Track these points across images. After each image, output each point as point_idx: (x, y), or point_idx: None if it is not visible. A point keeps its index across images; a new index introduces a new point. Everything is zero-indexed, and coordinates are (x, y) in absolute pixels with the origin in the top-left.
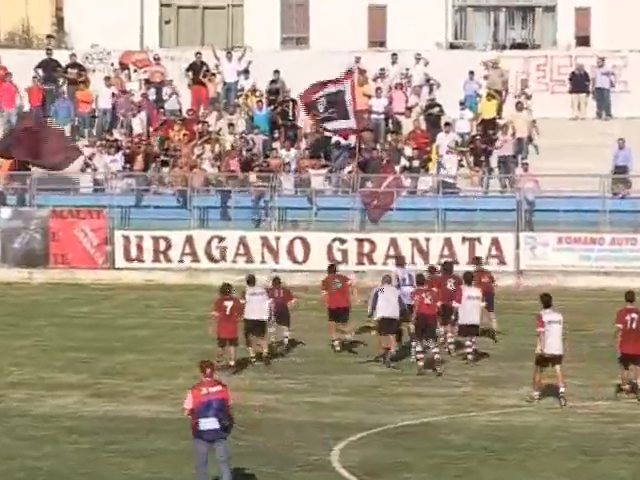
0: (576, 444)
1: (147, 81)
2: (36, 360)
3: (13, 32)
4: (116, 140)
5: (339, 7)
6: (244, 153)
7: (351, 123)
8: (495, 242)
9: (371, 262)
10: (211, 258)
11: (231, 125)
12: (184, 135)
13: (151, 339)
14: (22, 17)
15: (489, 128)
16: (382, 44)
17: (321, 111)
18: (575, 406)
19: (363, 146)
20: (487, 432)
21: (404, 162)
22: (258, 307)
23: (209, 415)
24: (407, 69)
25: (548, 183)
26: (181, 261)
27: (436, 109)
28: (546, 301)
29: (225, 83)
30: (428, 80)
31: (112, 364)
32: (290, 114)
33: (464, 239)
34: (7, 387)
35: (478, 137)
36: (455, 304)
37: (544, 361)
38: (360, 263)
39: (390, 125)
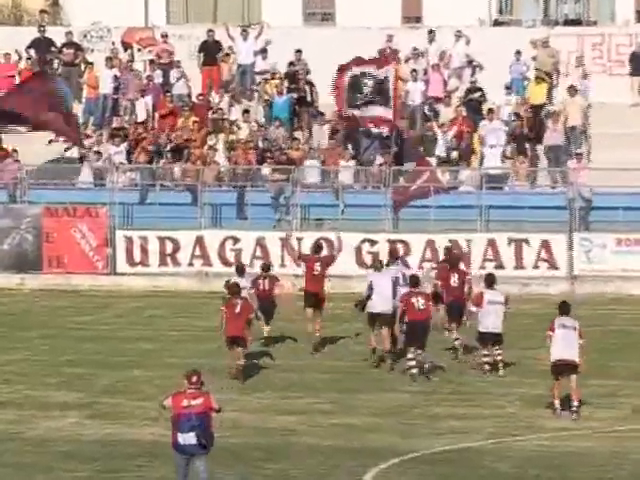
0: (636, 472)
1: (152, 62)
2: (27, 377)
3: (1, 6)
4: (122, 129)
5: None
6: (261, 144)
7: (389, 113)
8: (545, 244)
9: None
10: (224, 261)
11: (246, 112)
12: (194, 123)
13: (156, 353)
14: None
15: (538, 115)
16: (417, 20)
17: (364, 92)
18: (634, 429)
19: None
20: (537, 459)
21: (443, 154)
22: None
23: (187, 430)
24: (445, 49)
25: (605, 177)
26: (191, 265)
27: (478, 94)
28: (563, 309)
29: (240, 65)
30: (469, 61)
31: (113, 381)
32: (313, 99)
33: (510, 241)
34: None
35: (525, 125)
36: (474, 308)
37: (557, 370)
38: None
39: (427, 112)
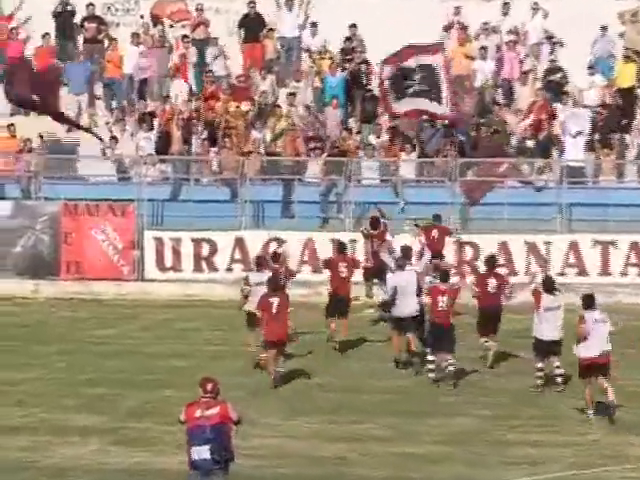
0: None
1: (186, 38)
2: (42, 398)
3: None
4: (151, 113)
5: None
6: (311, 131)
7: (443, 110)
8: (635, 247)
9: (475, 272)
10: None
11: (293, 95)
12: (237, 107)
13: (190, 371)
14: None
15: (626, 100)
16: None
17: (412, 83)
18: None
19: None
20: None
21: (518, 143)
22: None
23: (201, 443)
24: (521, 23)
25: None
26: (229, 270)
27: (558, 75)
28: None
29: (284, 41)
30: (548, 37)
31: (140, 403)
32: (368, 81)
33: (595, 243)
34: (7, 432)
35: (611, 111)
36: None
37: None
38: (459, 274)
39: (500, 95)
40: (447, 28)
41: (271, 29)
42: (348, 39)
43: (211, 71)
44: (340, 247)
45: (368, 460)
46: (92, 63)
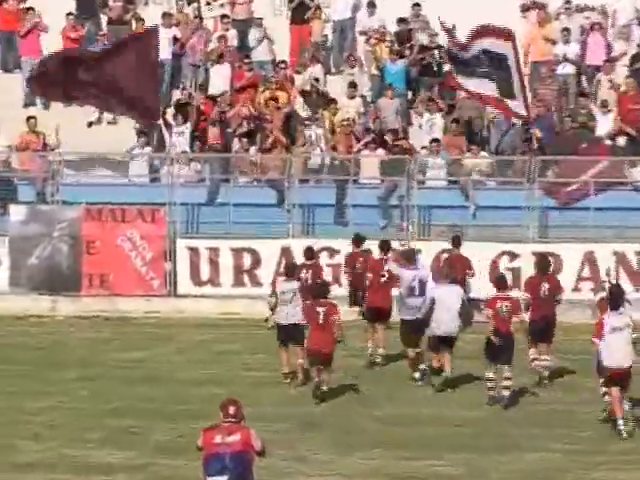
0: None
1: (226, 18)
2: (62, 429)
3: None
4: (186, 104)
5: None
6: (370, 125)
7: (518, 106)
8: None
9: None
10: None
11: (352, 87)
12: (271, 99)
13: None
14: None
15: None
16: None
17: (484, 69)
18: None
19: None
20: None
21: (606, 139)
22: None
23: (217, 473)
24: (609, 2)
25: None
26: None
27: None
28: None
29: (336, 23)
30: None
31: (172, 436)
32: (437, 69)
33: None
34: (21, 469)
35: None
36: (595, 340)
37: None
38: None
39: (584, 84)
40: (525, 8)
41: (318, 8)
42: (402, 20)
43: (248, 56)
44: (385, 247)
45: None
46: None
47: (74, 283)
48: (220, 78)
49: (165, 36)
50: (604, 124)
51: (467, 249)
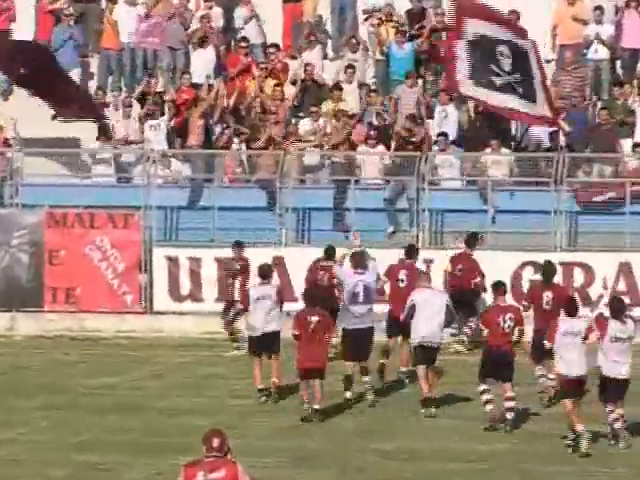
0: None
1: None
2: (22, 467)
3: None
4: (159, 94)
5: None
6: (374, 119)
7: (539, 109)
8: None
9: (586, 302)
10: None
11: (349, 69)
12: (276, 87)
13: None
14: None
15: None
16: None
17: (502, 67)
18: None
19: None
20: None
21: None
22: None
23: None
24: None
25: None
26: None
27: None
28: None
29: (334, 2)
30: None
31: (148, 473)
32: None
33: None
34: None
35: None
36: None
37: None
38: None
39: (619, 69)
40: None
41: None
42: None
43: (245, 38)
44: (411, 251)
45: None
46: (84, 30)
47: (35, 298)
48: (203, 63)
49: (130, 16)
50: None
51: (485, 258)
